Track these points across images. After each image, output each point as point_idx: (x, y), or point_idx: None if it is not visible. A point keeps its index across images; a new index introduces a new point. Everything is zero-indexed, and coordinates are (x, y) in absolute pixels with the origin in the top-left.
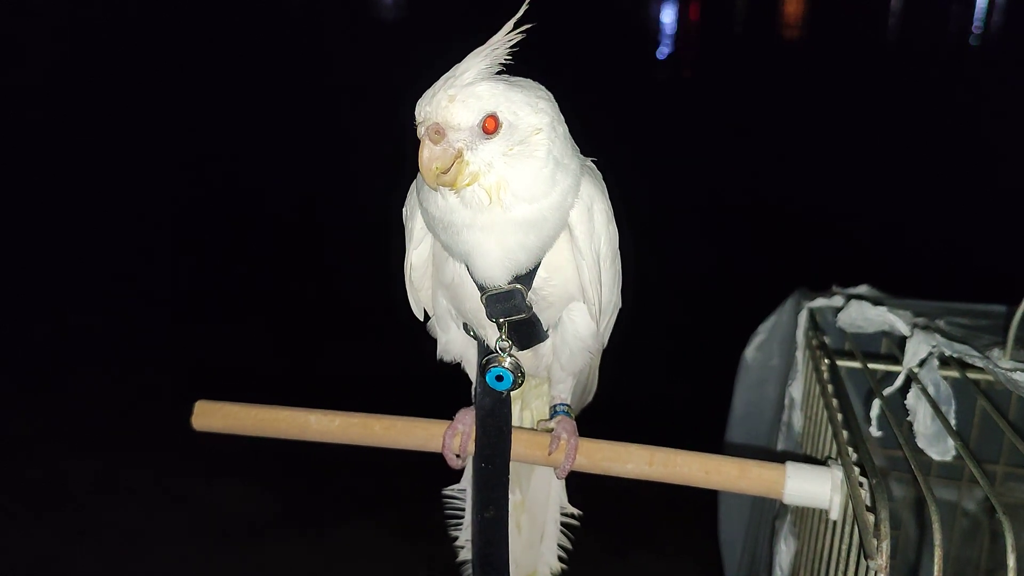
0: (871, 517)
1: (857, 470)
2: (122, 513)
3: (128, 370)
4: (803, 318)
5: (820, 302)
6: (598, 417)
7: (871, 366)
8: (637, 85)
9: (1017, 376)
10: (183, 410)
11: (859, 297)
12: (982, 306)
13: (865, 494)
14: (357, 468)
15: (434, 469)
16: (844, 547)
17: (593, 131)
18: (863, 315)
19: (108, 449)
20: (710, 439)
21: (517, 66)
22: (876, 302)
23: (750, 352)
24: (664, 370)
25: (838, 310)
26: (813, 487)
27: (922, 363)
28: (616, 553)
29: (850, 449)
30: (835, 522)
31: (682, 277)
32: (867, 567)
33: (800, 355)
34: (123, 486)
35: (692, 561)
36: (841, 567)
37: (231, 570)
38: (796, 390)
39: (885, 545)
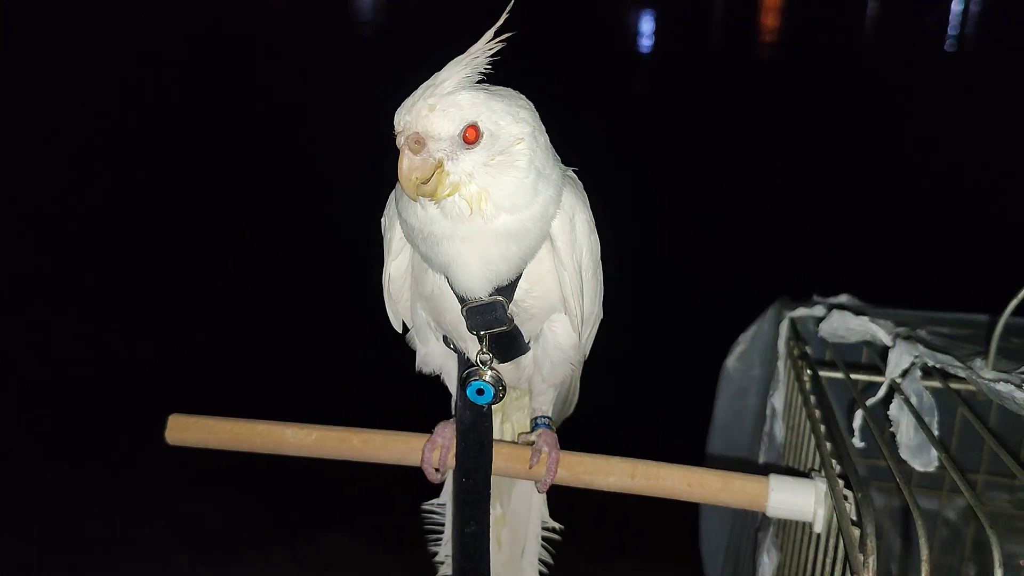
0: (856, 531)
1: (841, 482)
2: (99, 524)
3: (107, 378)
4: (784, 328)
5: (801, 312)
6: (579, 429)
7: (854, 376)
8: (617, 91)
9: (1000, 387)
10: (159, 422)
11: (840, 307)
12: (963, 315)
13: (850, 507)
14: (337, 480)
15: (414, 482)
16: (828, 560)
17: (573, 138)
18: (845, 325)
19: (86, 460)
20: (692, 449)
21: (497, 74)
22: (857, 312)
23: (731, 362)
24: (645, 380)
25: (819, 320)
26: (797, 500)
27: (904, 373)
28: (598, 564)
29: (834, 461)
30: (819, 535)
31: (662, 286)
32: None
33: (782, 365)
34: (102, 497)
35: (674, 572)
36: None
37: None
38: (778, 400)
39: (872, 561)
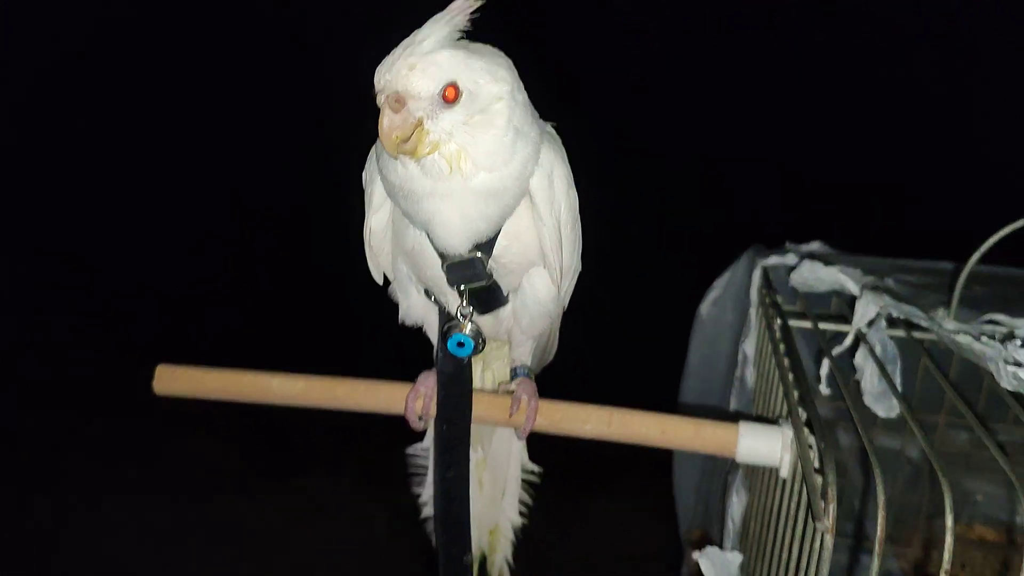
0: (819, 479)
1: (807, 430)
2: (81, 466)
3: (92, 326)
4: (757, 276)
5: (773, 260)
6: (557, 377)
7: (822, 326)
8: (594, 39)
9: (960, 338)
10: (146, 369)
11: (811, 255)
12: (930, 263)
13: (814, 455)
14: (317, 423)
15: (396, 427)
16: (793, 505)
17: (550, 90)
18: (815, 275)
19: (69, 405)
20: (667, 393)
21: (476, 31)
22: (828, 260)
23: (705, 307)
24: (621, 327)
25: (791, 268)
26: (764, 446)
27: (871, 323)
28: (575, 502)
29: (800, 409)
30: (784, 480)
31: (638, 233)
32: (814, 526)
33: (754, 312)
34: (84, 440)
35: (648, 509)
36: (790, 524)
37: (190, 522)
38: (749, 347)
39: (832, 508)
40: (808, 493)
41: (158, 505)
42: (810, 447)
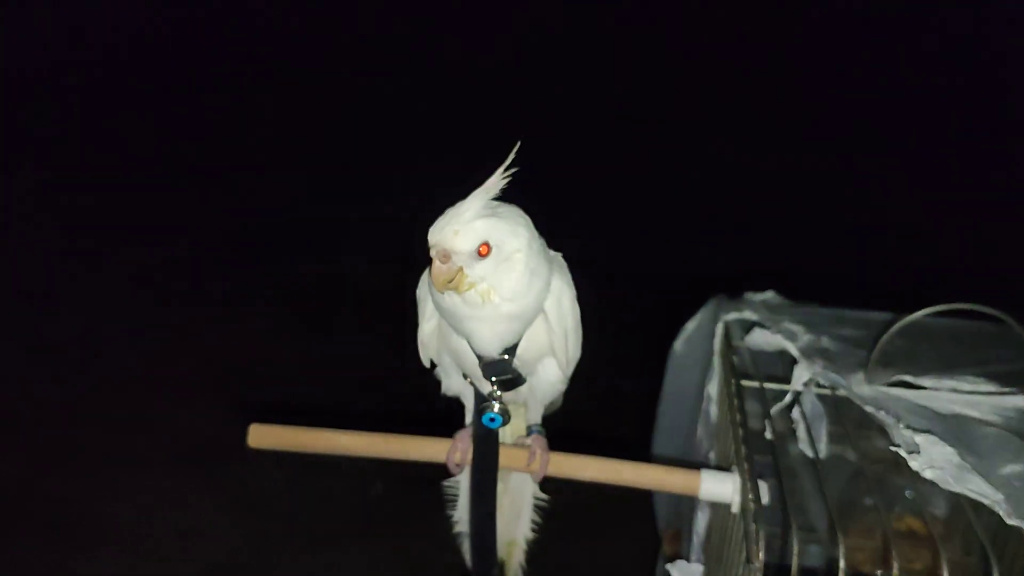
0: (755, 527)
1: (749, 484)
2: (88, 435)
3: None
4: (719, 329)
5: (732, 315)
6: (560, 419)
7: (767, 386)
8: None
9: (868, 408)
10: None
11: (765, 305)
12: (866, 314)
13: (753, 507)
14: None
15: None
16: (739, 535)
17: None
18: (764, 340)
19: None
20: (646, 416)
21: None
22: (778, 309)
23: (678, 344)
24: (612, 365)
25: (748, 324)
26: (720, 489)
27: (805, 384)
28: (573, 520)
29: (745, 465)
30: (735, 514)
31: (623, 276)
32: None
33: (716, 361)
34: (90, 411)
35: (632, 519)
36: (736, 548)
37: (196, 490)
38: (712, 389)
39: (759, 558)
40: (746, 539)
41: (158, 474)
42: (752, 501)
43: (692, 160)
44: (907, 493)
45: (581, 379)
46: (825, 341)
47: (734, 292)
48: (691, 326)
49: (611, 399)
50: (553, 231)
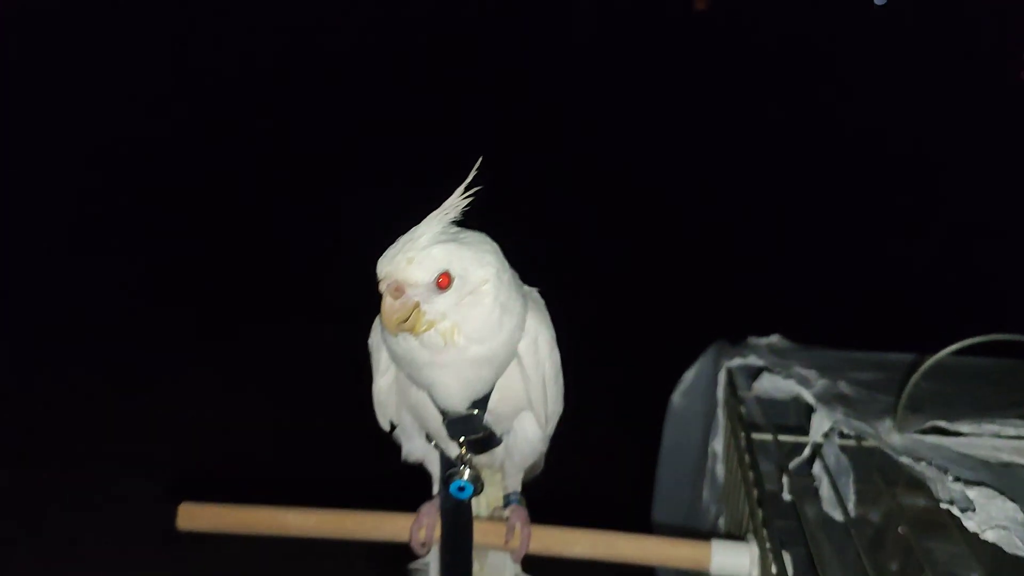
0: None
1: (770, 554)
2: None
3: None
4: (722, 376)
5: (736, 361)
6: (546, 488)
7: (782, 438)
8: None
9: (903, 459)
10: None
11: (771, 349)
12: (883, 356)
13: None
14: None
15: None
16: None
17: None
18: (775, 386)
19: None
20: (644, 476)
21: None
22: (785, 354)
23: (676, 397)
24: (602, 416)
25: (755, 370)
26: (735, 561)
27: (826, 434)
28: None
29: (765, 532)
30: None
31: (609, 321)
32: None
33: (720, 413)
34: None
35: None
36: None
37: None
38: (718, 445)
39: None
40: None
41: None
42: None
43: (675, 200)
44: (939, 556)
45: (565, 437)
46: (843, 386)
47: (734, 339)
48: (690, 376)
49: (602, 460)
50: (527, 272)
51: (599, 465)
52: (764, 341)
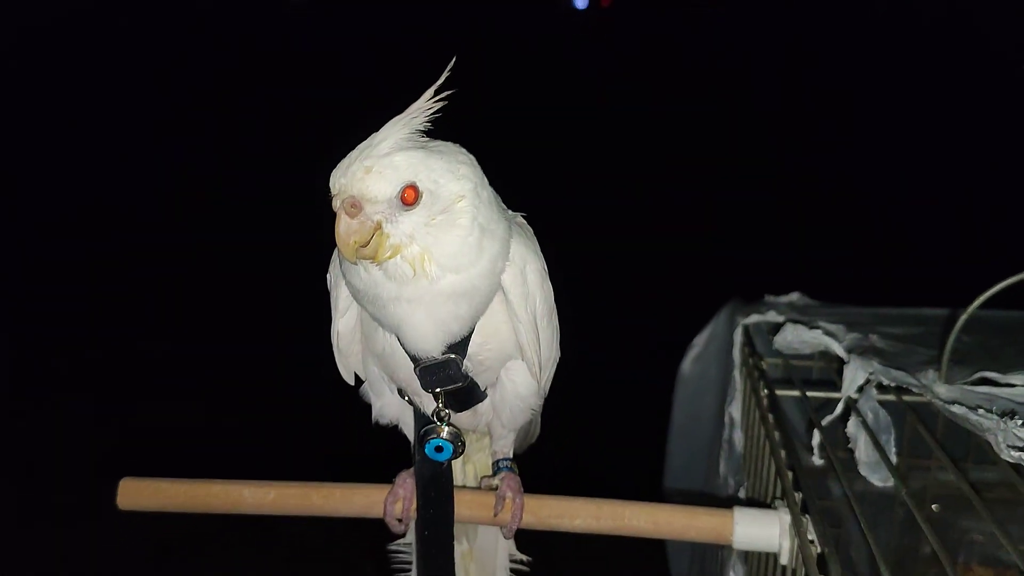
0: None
1: (804, 518)
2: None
3: None
4: (738, 336)
5: (754, 318)
6: (540, 451)
7: (810, 394)
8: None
9: (955, 409)
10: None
11: (791, 307)
12: (914, 311)
13: (815, 547)
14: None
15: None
16: None
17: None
18: (799, 338)
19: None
20: (653, 455)
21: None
22: (808, 313)
23: (686, 365)
24: (603, 388)
25: (773, 326)
26: (761, 533)
27: (860, 388)
28: None
29: (798, 497)
30: (784, 567)
31: (612, 288)
32: None
33: (738, 375)
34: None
35: None
36: None
37: None
38: (735, 410)
39: None
40: None
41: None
42: (812, 543)
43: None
44: (976, 537)
45: (564, 395)
46: (876, 340)
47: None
48: (702, 339)
49: (607, 430)
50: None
51: (603, 438)
52: (783, 299)
